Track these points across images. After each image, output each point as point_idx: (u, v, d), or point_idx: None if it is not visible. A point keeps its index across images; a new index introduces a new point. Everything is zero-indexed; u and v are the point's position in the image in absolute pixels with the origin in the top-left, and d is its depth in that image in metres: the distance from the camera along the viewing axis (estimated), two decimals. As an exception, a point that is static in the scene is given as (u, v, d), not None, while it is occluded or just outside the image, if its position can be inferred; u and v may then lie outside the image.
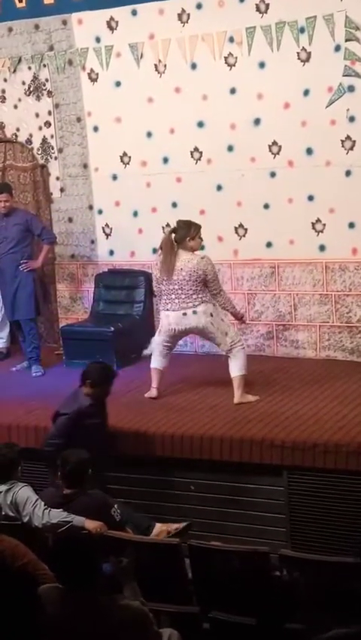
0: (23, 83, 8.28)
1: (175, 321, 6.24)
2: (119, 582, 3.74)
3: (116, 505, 4.97)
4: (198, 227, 6.29)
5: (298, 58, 7.03)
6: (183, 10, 7.38)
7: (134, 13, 7.62)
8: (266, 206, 7.38)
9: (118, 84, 7.84)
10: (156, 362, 6.51)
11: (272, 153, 7.28)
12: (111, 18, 7.71)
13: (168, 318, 6.29)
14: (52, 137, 8.24)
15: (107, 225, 8.15)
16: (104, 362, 6.06)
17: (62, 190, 8.31)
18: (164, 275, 6.21)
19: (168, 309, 6.26)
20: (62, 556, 3.54)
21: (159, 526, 5.20)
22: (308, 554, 4.38)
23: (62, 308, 8.46)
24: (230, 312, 6.40)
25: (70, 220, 8.31)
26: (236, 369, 6.28)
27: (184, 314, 6.19)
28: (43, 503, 4.80)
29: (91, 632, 3.38)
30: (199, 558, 4.40)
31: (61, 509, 4.79)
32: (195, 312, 6.17)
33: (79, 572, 3.44)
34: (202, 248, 7.20)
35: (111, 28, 7.75)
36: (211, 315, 6.19)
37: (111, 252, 8.18)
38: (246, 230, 7.51)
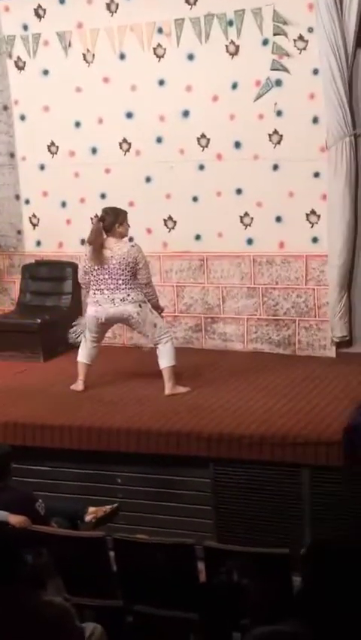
0: None
1: (103, 310, 6.19)
2: (41, 577, 3.69)
3: (40, 500, 4.90)
4: (124, 212, 6.28)
5: (227, 52, 7.05)
6: (112, 0, 7.32)
7: (62, 1, 7.52)
8: (195, 199, 7.39)
9: (46, 73, 7.73)
10: (83, 356, 6.45)
11: (201, 146, 7.29)
12: (39, 6, 7.59)
13: (95, 308, 6.23)
14: (-23, 125, 8.09)
15: (34, 216, 8.04)
16: None
17: (-12, 179, 8.17)
18: (94, 264, 6.16)
19: (96, 300, 6.21)
20: None
21: (92, 509, 5.18)
22: (233, 546, 4.39)
23: (-13, 300, 8.33)
24: (152, 303, 6.37)
25: (-4, 210, 8.18)
26: (165, 360, 6.27)
27: (112, 301, 6.15)
28: None
29: (12, 629, 3.33)
30: (124, 551, 4.39)
31: (-17, 504, 4.71)
32: (123, 300, 6.13)
33: (0, 565, 3.38)
34: (131, 239, 7.18)
35: (39, 16, 7.63)
36: (140, 306, 6.17)
37: (38, 243, 8.07)
38: (175, 222, 7.50)
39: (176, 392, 6.24)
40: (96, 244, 6.17)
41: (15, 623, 3.34)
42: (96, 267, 6.16)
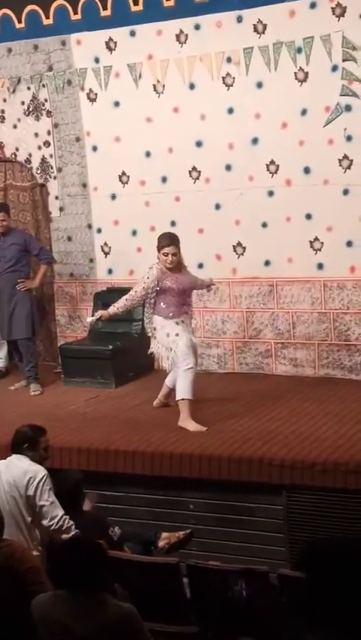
0: (22, 103, 8.33)
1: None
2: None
3: (113, 526, 4.93)
4: (164, 242, 6.26)
5: (296, 78, 7.08)
6: (181, 31, 7.44)
7: (132, 33, 7.68)
8: (264, 225, 7.41)
9: (117, 104, 7.89)
10: (168, 379, 6.58)
11: (270, 172, 7.31)
12: (110, 39, 7.77)
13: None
14: (51, 156, 8.29)
15: (105, 244, 8.18)
16: None
17: (61, 209, 8.34)
18: None
19: None
20: (71, 554, 3.51)
21: (165, 535, 5.20)
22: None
23: (61, 326, 8.47)
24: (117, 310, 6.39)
25: (69, 239, 8.34)
26: (180, 391, 6.16)
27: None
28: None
29: (84, 631, 3.35)
30: (198, 578, 4.38)
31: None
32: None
33: (87, 573, 3.41)
34: (201, 266, 7.25)
35: (110, 49, 7.81)
36: (155, 329, 6.27)
37: (110, 271, 8.20)
38: (244, 248, 7.53)
39: (184, 426, 6.10)
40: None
41: (86, 625, 3.37)
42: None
